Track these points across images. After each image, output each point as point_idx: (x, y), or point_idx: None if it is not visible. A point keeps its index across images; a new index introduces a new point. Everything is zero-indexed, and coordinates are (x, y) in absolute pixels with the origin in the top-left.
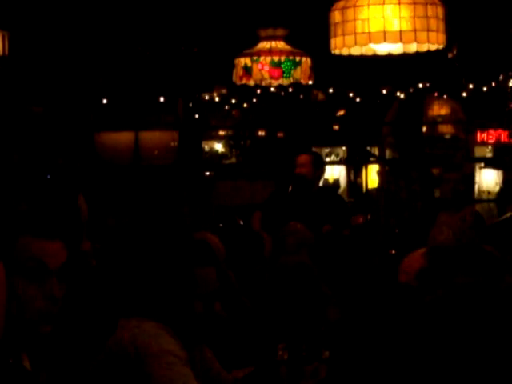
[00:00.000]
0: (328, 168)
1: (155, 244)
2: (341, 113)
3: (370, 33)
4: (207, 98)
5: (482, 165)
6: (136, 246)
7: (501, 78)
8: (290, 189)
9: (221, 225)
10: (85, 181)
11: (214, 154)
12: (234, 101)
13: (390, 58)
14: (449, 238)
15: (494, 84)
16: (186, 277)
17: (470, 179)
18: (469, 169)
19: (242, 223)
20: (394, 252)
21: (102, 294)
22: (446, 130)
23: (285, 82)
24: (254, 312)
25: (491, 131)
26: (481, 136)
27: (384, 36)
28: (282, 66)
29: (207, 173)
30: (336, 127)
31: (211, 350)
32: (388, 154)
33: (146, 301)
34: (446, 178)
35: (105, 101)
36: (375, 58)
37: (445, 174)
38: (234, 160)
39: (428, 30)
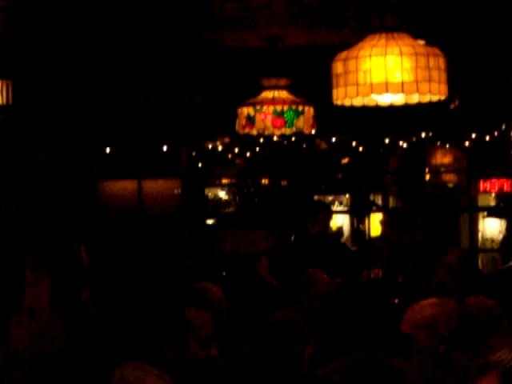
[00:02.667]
0: None
1: (150, 289)
2: (345, 161)
3: (372, 84)
4: (210, 146)
5: (485, 214)
6: (132, 291)
7: (503, 127)
8: (292, 238)
9: (224, 273)
10: (87, 230)
11: (217, 201)
12: (237, 149)
13: (392, 107)
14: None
15: (496, 133)
16: (176, 317)
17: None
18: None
19: (245, 271)
20: (397, 301)
21: (101, 341)
22: (449, 178)
23: (287, 131)
24: (255, 362)
25: (494, 180)
26: (484, 185)
27: (386, 87)
28: (285, 115)
29: (210, 221)
30: (339, 175)
31: None
32: (391, 202)
33: (141, 345)
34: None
35: (108, 149)
36: (377, 108)
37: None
38: (237, 208)
39: (430, 81)
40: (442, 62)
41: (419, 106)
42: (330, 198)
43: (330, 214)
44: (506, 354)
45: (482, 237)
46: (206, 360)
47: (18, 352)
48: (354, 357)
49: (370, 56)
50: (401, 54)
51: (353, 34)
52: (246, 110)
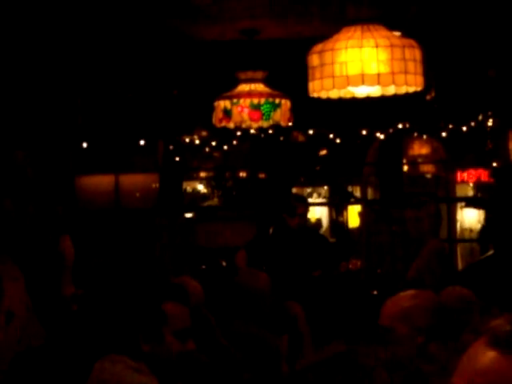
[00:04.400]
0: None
1: (128, 284)
2: (323, 153)
3: (348, 76)
4: (187, 140)
5: (463, 204)
6: (109, 286)
7: (480, 117)
8: (271, 230)
9: (203, 266)
10: (67, 225)
11: (195, 194)
12: (214, 143)
13: (368, 99)
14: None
15: (473, 124)
16: (153, 311)
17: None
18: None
19: (224, 264)
20: (376, 293)
21: (80, 335)
22: (427, 169)
23: (264, 124)
24: (234, 355)
25: (471, 171)
26: (461, 175)
27: (362, 79)
28: (262, 108)
29: (188, 215)
30: (317, 167)
31: None
32: (370, 193)
33: (119, 338)
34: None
35: (85, 144)
36: (354, 100)
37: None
38: (215, 201)
39: (406, 73)
40: (417, 53)
41: (396, 97)
42: (309, 190)
43: (307, 206)
44: (498, 321)
45: (461, 227)
46: (183, 354)
47: None
48: (329, 352)
49: (346, 48)
50: (376, 45)
51: (329, 27)
52: (222, 104)
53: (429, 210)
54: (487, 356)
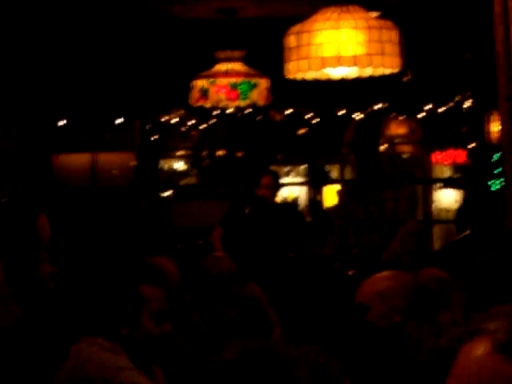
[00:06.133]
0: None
1: (104, 265)
2: (301, 131)
3: (323, 57)
4: (164, 119)
5: (441, 185)
6: (85, 266)
7: (457, 99)
8: (247, 210)
9: (179, 245)
10: (43, 204)
11: (172, 173)
12: (191, 122)
13: (346, 80)
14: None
15: (450, 105)
16: (130, 293)
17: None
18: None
19: (201, 243)
20: (351, 273)
21: (56, 316)
22: (404, 149)
23: (242, 103)
24: (210, 336)
25: (448, 152)
26: (437, 157)
27: (338, 60)
28: (239, 88)
29: (165, 194)
30: (295, 146)
31: (162, 370)
32: (348, 172)
33: (96, 320)
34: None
35: (61, 123)
36: (332, 81)
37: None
38: (193, 179)
39: (383, 54)
40: (394, 35)
41: (373, 78)
42: (287, 169)
43: (275, 179)
44: (502, 323)
45: (437, 207)
46: (159, 336)
47: None
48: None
49: (323, 30)
50: (355, 27)
51: (308, 6)
52: (199, 83)
53: (405, 191)
54: (491, 361)
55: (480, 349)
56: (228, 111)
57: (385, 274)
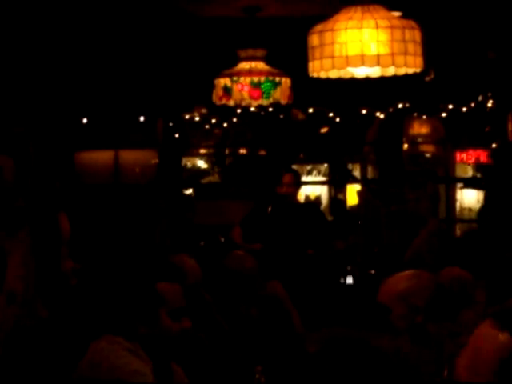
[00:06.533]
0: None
1: (123, 263)
2: (324, 130)
3: (347, 56)
4: (187, 117)
5: (462, 185)
6: (105, 264)
7: (480, 98)
8: (269, 208)
9: (202, 243)
10: (65, 201)
11: (195, 171)
12: (214, 120)
13: (368, 79)
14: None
15: (473, 105)
16: (149, 292)
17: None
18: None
19: (223, 241)
20: (373, 272)
21: (77, 314)
22: (427, 148)
23: (264, 102)
24: (231, 333)
25: (471, 151)
26: (460, 156)
27: (362, 60)
28: (262, 86)
29: (188, 191)
30: (317, 145)
31: (181, 367)
32: (370, 172)
33: (115, 319)
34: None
35: (84, 120)
36: (355, 79)
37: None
38: (216, 177)
39: (405, 54)
40: (417, 34)
41: (396, 77)
42: (309, 168)
43: (297, 177)
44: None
45: (460, 207)
46: (180, 333)
47: None
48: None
49: (346, 29)
50: (377, 26)
51: (330, 6)
52: (222, 81)
53: (428, 190)
54: (486, 326)
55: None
56: (251, 110)
57: (406, 273)
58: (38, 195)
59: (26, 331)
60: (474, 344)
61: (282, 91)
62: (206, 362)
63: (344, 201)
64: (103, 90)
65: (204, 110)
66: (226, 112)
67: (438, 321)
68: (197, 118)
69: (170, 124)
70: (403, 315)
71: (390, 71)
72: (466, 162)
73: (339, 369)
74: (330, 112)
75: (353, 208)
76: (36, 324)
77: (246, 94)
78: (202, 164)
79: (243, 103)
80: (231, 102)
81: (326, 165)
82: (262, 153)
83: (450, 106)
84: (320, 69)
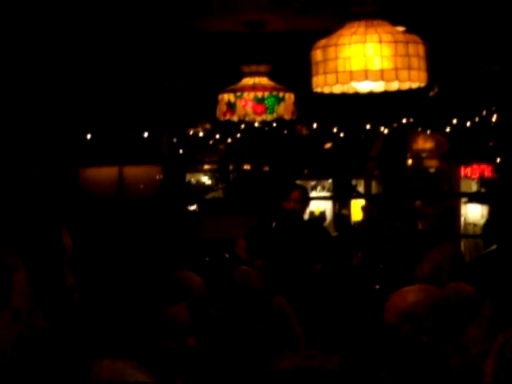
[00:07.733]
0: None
1: (128, 283)
2: (327, 146)
3: (351, 71)
4: (191, 132)
5: (467, 199)
6: (109, 280)
7: (484, 113)
8: (273, 224)
9: (207, 258)
10: (69, 216)
11: (199, 186)
12: (218, 136)
13: (372, 94)
14: (427, 272)
15: (477, 119)
16: (153, 315)
17: (452, 213)
18: (449, 203)
19: (227, 256)
20: (378, 287)
21: (81, 332)
22: (431, 163)
23: (268, 117)
24: (236, 348)
25: (475, 166)
26: (464, 171)
27: (365, 74)
28: (266, 101)
29: (192, 207)
30: (321, 160)
31: None
32: (374, 187)
33: (117, 339)
34: (425, 213)
35: (88, 136)
36: (358, 94)
37: (424, 208)
38: (219, 193)
39: (409, 69)
40: (421, 49)
41: (399, 92)
42: (313, 183)
43: (304, 193)
44: None
45: (465, 221)
46: (185, 350)
47: None
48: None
49: (350, 44)
50: (380, 41)
51: (333, 21)
52: (226, 97)
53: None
54: None
55: None
56: (255, 125)
57: (412, 288)
58: (42, 211)
59: (29, 345)
60: None
61: (286, 106)
62: (210, 378)
63: (348, 216)
64: (107, 106)
65: (208, 126)
66: (229, 127)
67: (444, 336)
68: (201, 134)
69: (174, 140)
70: (409, 334)
71: (394, 86)
72: (471, 176)
73: None
74: (334, 127)
75: (357, 223)
76: (39, 337)
77: (249, 110)
78: (206, 180)
79: (247, 118)
80: (235, 118)
81: (330, 180)
82: (266, 168)
83: (454, 121)
84: (324, 84)
